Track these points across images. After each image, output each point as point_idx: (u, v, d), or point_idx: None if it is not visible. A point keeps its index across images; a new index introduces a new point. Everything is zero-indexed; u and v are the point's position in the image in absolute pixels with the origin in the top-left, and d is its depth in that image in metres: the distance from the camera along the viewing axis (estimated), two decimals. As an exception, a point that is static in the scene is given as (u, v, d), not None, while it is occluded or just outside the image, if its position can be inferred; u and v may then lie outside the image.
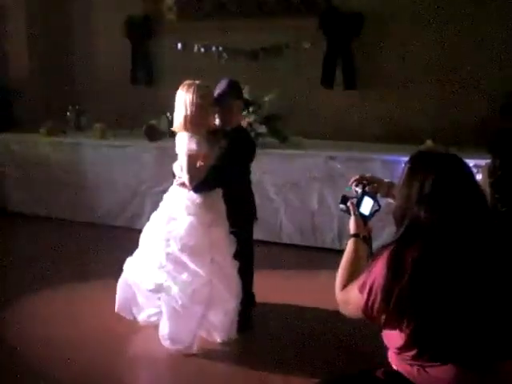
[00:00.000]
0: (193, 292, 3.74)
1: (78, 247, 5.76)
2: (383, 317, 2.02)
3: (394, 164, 5.25)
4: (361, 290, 2.09)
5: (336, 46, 6.50)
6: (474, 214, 1.98)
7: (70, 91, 7.71)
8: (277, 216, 5.81)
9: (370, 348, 3.22)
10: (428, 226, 1.96)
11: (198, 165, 3.76)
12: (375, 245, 2.37)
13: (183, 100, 3.80)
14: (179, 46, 6.88)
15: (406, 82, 6.20)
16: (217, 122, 3.97)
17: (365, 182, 2.60)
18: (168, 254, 3.79)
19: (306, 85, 6.60)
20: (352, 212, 2.51)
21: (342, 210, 2.55)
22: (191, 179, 3.75)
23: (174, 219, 3.84)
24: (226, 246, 3.88)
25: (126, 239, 4.60)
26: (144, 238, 4.00)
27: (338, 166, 5.51)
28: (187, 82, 3.89)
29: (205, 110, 3.80)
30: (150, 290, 3.87)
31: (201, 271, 3.76)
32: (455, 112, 5.95)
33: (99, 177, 6.45)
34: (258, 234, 5.78)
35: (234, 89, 4.01)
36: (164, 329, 3.81)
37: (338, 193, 5.48)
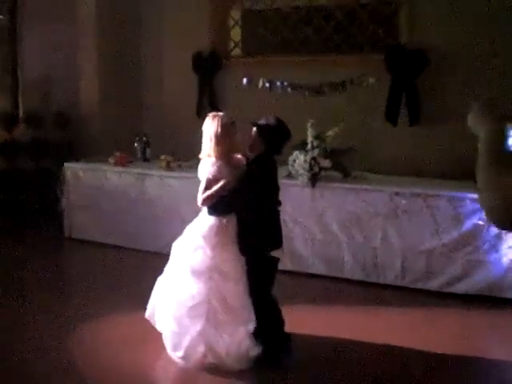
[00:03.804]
0: (189, 309, 3.93)
1: (140, 275, 5.85)
2: None
3: (460, 200, 5.17)
4: None
5: (400, 83, 6.48)
6: None
7: (137, 123, 7.93)
8: (339, 251, 5.75)
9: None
10: None
11: (214, 188, 3.92)
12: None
13: (209, 130, 4.04)
14: (244, 80, 6.99)
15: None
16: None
17: None
18: (177, 270, 4.06)
19: (370, 120, 6.59)
20: None
21: None
22: (202, 201, 3.97)
23: (191, 237, 4.07)
24: (228, 269, 3.96)
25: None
26: (171, 262, 4.20)
27: (403, 202, 5.43)
28: (213, 113, 4.16)
29: (227, 139, 4.00)
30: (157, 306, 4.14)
31: (197, 289, 3.92)
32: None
33: (164, 207, 6.56)
34: (319, 267, 5.82)
35: (268, 131, 4.06)
36: (165, 338, 4.06)
37: (401, 229, 5.47)
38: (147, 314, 4.25)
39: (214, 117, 4.07)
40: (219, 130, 3.99)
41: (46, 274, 6.06)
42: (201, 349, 3.92)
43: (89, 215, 7.11)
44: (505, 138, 1.81)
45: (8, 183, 8.11)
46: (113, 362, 4.09)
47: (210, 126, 4.04)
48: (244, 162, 4.09)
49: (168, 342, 4.06)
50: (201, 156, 4.09)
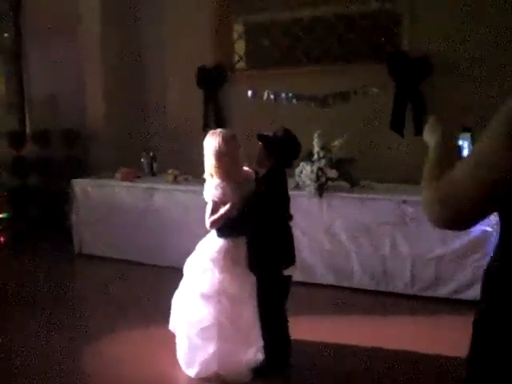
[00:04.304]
0: (200, 331, 3.91)
1: (151, 290, 5.87)
2: None
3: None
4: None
5: (405, 91, 6.50)
6: None
7: (144, 138, 7.98)
8: (348, 260, 5.76)
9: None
10: None
11: (221, 211, 3.86)
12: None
13: (209, 148, 3.93)
14: (249, 93, 7.02)
15: (476, 127, 6.10)
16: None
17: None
18: (188, 291, 4.04)
19: (376, 129, 6.60)
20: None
21: None
22: (211, 225, 3.92)
23: (199, 258, 4.04)
24: (236, 291, 3.93)
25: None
26: (185, 271, 4.18)
27: (411, 210, 5.44)
28: (213, 130, 4.04)
29: (229, 158, 3.89)
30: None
31: (207, 312, 3.91)
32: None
33: (172, 221, 6.59)
34: (328, 277, 5.83)
35: (275, 143, 3.95)
36: (179, 353, 4.09)
37: (409, 237, 5.47)
38: (171, 327, 4.25)
39: (214, 134, 3.96)
40: (220, 146, 3.86)
41: (57, 290, 6.09)
42: (214, 367, 3.92)
43: (98, 230, 7.15)
44: (458, 146, 1.87)
45: (17, 200, 8.16)
46: (127, 378, 4.09)
47: (210, 144, 3.92)
48: (253, 176, 4.04)
49: (182, 360, 4.06)
50: (205, 176, 4.00)
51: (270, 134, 3.99)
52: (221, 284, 3.91)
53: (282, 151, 3.95)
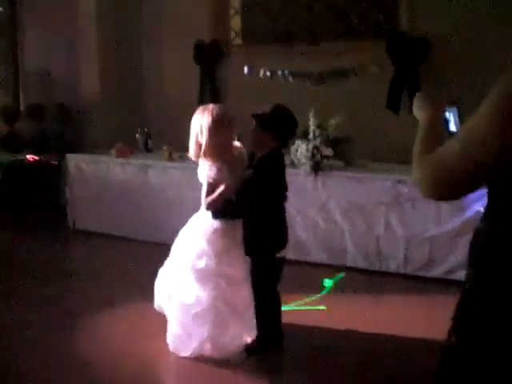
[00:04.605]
0: (195, 315, 3.81)
1: (145, 266, 5.86)
2: None
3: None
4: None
5: (403, 71, 6.45)
6: None
7: (139, 114, 7.93)
8: (341, 239, 5.76)
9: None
10: None
11: (216, 192, 3.76)
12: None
13: (199, 125, 3.75)
14: (245, 69, 6.97)
15: (475, 107, 6.07)
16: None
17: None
18: (180, 274, 3.90)
19: (372, 108, 6.57)
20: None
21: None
22: (207, 207, 3.81)
23: (193, 238, 3.92)
24: (234, 273, 3.87)
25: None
26: (172, 251, 4.08)
27: (406, 191, 5.43)
28: (203, 106, 3.86)
29: (222, 135, 3.73)
30: (165, 296, 4.01)
31: (205, 295, 3.81)
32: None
33: (166, 197, 6.58)
34: (322, 256, 5.83)
35: (271, 119, 3.80)
36: (169, 336, 3.97)
37: (404, 217, 5.47)
38: (156, 306, 4.17)
39: (205, 109, 3.78)
40: (212, 123, 3.67)
41: (51, 266, 6.07)
42: (208, 349, 3.87)
43: (92, 206, 7.13)
44: (445, 119, 1.86)
45: (11, 176, 8.13)
46: (120, 355, 4.08)
47: (201, 120, 3.72)
48: (244, 152, 3.94)
49: (173, 344, 3.96)
50: (189, 155, 3.86)
51: (262, 111, 3.84)
52: (218, 266, 3.82)
53: (277, 128, 3.81)
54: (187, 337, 3.87)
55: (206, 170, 3.80)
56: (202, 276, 3.83)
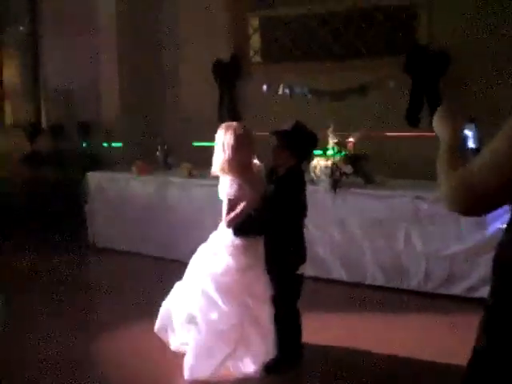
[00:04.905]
0: (221, 332, 3.77)
1: (162, 284, 5.86)
2: None
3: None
4: None
5: (421, 85, 6.44)
6: None
7: (159, 132, 7.98)
8: (361, 256, 5.72)
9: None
10: None
11: (237, 209, 3.76)
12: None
13: (221, 142, 3.80)
14: (264, 87, 7.00)
15: (494, 121, 6.04)
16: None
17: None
18: (203, 290, 3.84)
19: (392, 124, 6.56)
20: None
21: None
22: (228, 224, 3.80)
23: (215, 256, 3.89)
24: (259, 290, 3.85)
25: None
26: (190, 268, 4.04)
27: (425, 207, 5.39)
28: (226, 123, 3.91)
29: (244, 152, 3.78)
30: (183, 320, 3.95)
31: (231, 312, 3.77)
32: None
33: (186, 214, 6.58)
34: (341, 274, 5.79)
35: (291, 136, 3.85)
36: (188, 360, 3.84)
37: (424, 234, 5.42)
38: (156, 329, 4.14)
39: (227, 127, 3.83)
40: (234, 140, 3.74)
41: (71, 282, 6.11)
42: (228, 367, 3.86)
43: (112, 224, 7.17)
44: (464, 137, 1.90)
45: (32, 193, 8.21)
46: (131, 372, 4.09)
47: (224, 138, 3.79)
48: (263, 169, 3.95)
49: (189, 367, 3.83)
50: (212, 170, 3.89)
51: (284, 128, 3.89)
52: (242, 283, 3.81)
53: (297, 146, 3.86)
54: (208, 355, 3.80)
55: (226, 187, 3.81)
56: (228, 292, 3.81)
